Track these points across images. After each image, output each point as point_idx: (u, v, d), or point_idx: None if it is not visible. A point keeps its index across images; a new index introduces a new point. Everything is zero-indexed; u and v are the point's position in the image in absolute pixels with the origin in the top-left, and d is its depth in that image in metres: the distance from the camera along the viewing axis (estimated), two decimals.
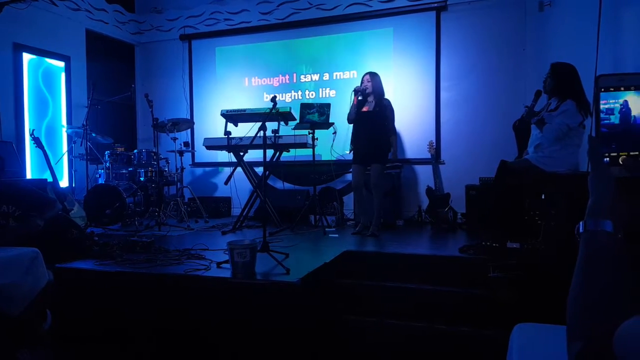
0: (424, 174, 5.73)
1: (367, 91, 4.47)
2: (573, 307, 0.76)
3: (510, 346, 1.72)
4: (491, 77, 5.57)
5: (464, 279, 3.20)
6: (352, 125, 4.65)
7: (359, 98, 4.49)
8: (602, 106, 0.81)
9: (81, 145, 5.56)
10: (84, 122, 5.48)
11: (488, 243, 3.27)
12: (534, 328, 1.79)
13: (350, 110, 4.56)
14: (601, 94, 0.81)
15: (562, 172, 3.12)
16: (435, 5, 5.74)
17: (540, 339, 1.70)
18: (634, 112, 0.80)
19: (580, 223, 0.79)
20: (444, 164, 5.65)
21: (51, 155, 4.85)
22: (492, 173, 3.56)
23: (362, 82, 4.53)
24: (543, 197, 3.14)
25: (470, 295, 3.05)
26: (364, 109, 4.51)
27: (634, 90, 0.80)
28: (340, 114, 5.27)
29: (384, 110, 4.45)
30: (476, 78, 5.64)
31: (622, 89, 0.81)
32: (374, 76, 4.50)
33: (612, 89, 0.81)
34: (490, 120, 5.49)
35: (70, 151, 5.88)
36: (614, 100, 0.80)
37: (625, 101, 0.80)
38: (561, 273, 2.65)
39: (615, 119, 0.80)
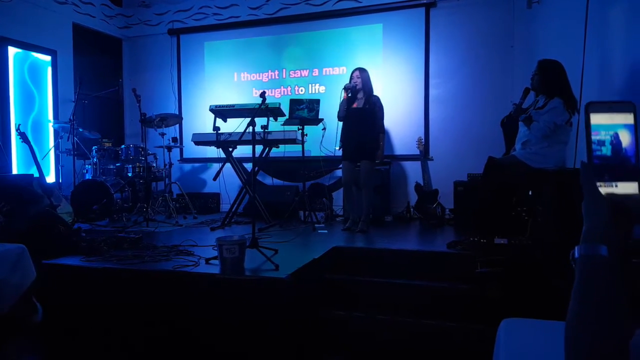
0: (413, 170, 5.76)
1: (356, 87, 4.47)
2: (572, 331, 0.78)
3: (498, 341, 1.74)
4: (480, 74, 5.60)
5: (452, 274, 3.23)
6: (341, 122, 4.66)
7: (349, 95, 4.50)
8: (593, 137, 0.82)
9: (68, 140, 5.50)
10: (71, 117, 5.41)
11: (476, 239, 3.29)
12: (520, 323, 1.81)
13: (340, 107, 4.56)
14: (592, 125, 0.82)
15: (549, 169, 3.15)
16: (425, 1, 5.75)
17: (527, 333, 1.73)
18: (624, 145, 0.82)
19: (575, 248, 0.81)
20: (432, 160, 5.68)
21: (37, 151, 4.79)
22: (480, 169, 3.59)
23: (351, 78, 4.52)
24: (530, 193, 3.17)
25: (458, 291, 3.08)
26: (354, 106, 4.51)
27: (623, 124, 0.82)
28: (329, 110, 5.27)
29: (373, 107, 4.45)
30: (465, 75, 5.67)
31: (612, 120, 0.83)
32: (363, 72, 4.50)
33: (603, 121, 0.83)
34: (479, 117, 5.53)
35: (57, 146, 5.81)
36: (605, 132, 0.82)
37: (616, 133, 0.81)
38: (548, 268, 2.69)
39: (606, 150, 0.81)
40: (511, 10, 5.44)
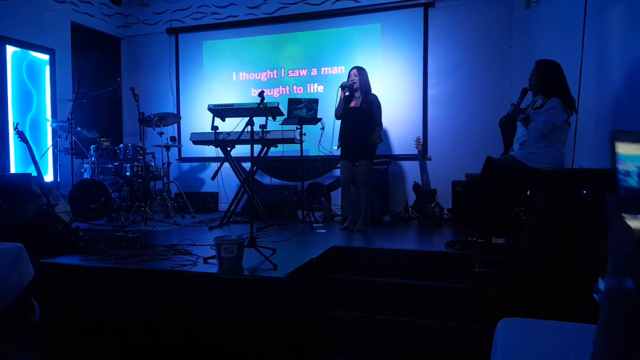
0: (411, 170, 5.76)
1: (354, 86, 4.48)
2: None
3: (495, 340, 1.75)
4: (478, 73, 5.61)
5: (450, 274, 3.23)
6: (339, 121, 4.66)
7: (346, 94, 4.50)
8: (618, 167, 0.79)
9: (66, 139, 5.49)
10: (69, 116, 5.41)
11: (474, 238, 3.30)
12: (518, 322, 1.82)
13: (337, 105, 4.56)
14: (617, 154, 0.79)
15: (547, 169, 3.16)
16: (423, 1, 5.75)
17: (525, 333, 1.73)
18: None
19: (600, 280, 0.80)
20: (430, 160, 5.69)
21: (35, 150, 4.77)
22: (478, 169, 3.60)
23: (349, 77, 4.53)
24: (528, 193, 3.18)
25: (456, 290, 3.09)
26: (351, 105, 4.51)
27: None
28: (328, 110, 5.26)
29: (371, 106, 4.45)
30: (463, 75, 5.68)
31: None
32: (361, 71, 4.50)
33: (629, 151, 0.79)
34: (477, 116, 5.53)
35: (55, 145, 5.80)
36: (631, 163, 0.78)
37: None
38: (546, 268, 2.70)
39: (633, 181, 0.77)
40: (509, 11, 5.45)
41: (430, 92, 5.80)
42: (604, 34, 3.22)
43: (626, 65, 2.90)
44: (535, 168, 3.19)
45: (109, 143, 5.63)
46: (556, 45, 4.12)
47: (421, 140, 5.46)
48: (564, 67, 3.33)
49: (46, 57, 5.94)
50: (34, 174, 4.43)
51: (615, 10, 3.09)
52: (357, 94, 4.51)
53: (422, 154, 5.39)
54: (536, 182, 3.06)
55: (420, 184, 5.20)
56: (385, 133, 5.88)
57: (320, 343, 3.09)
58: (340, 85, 4.52)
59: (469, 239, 3.34)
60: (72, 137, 5.38)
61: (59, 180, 5.77)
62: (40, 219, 3.54)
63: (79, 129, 5.49)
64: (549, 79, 3.26)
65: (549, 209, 2.85)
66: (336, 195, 5.81)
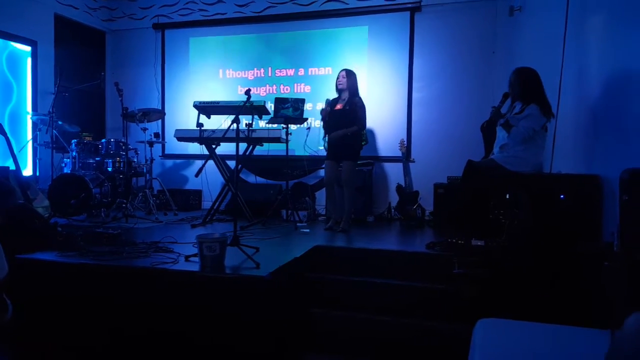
0: (395, 171, 5.81)
1: (339, 87, 4.54)
2: None
3: (473, 340, 1.78)
4: (461, 78, 5.68)
5: (430, 274, 3.28)
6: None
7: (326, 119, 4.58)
8: None
9: (47, 133, 5.39)
10: (50, 109, 5.30)
11: (454, 240, 3.35)
12: (496, 323, 1.86)
13: (322, 117, 4.64)
14: None
15: (526, 172, 3.22)
16: (410, 5, 5.81)
17: (502, 333, 1.77)
18: None
19: (633, 315, 0.81)
20: (414, 162, 5.74)
21: (14, 143, 4.69)
22: (459, 172, 3.65)
23: (337, 78, 4.58)
24: (507, 196, 3.24)
25: (435, 291, 3.13)
26: (337, 107, 4.55)
27: None
28: (314, 110, 5.29)
29: (355, 108, 4.49)
30: (447, 79, 5.75)
31: None
32: (350, 74, 4.55)
33: None
34: (460, 120, 5.61)
35: (34, 139, 5.69)
36: None
37: None
38: (523, 270, 2.76)
39: None
40: (493, 17, 5.53)
41: (415, 95, 5.86)
42: (584, 42, 3.30)
43: (604, 73, 2.98)
44: (515, 171, 3.25)
45: (90, 138, 5.55)
46: (537, 52, 4.21)
47: (405, 142, 5.52)
48: (544, 74, 3.41)
49: (28, 48, 5.84)
50: (12, 167, 4.36)
51: (595, 20, 3.17)
52: (344, 96, 4.54)
53: (405, 156, 5.44)
54: (515, 185, 3.12)
55: (404, 186, 5.25)
56: (370, 135, 5.93)
57: (301, 342, 3.10)
58: (326, 100, 4.64)
59: (449, 240, 3.39)
60: (52, 131, 5.29)
61: (38, 174, 5.68)
62: (17, 214, 3.48)
63: (60, 122, 5.40)
64: (527, 86, 3.34)
65: (528, 212, 2.91)
66: (321, 195, 5.83)
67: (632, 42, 2.62)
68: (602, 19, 3.06)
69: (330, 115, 4.54)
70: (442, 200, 4.88)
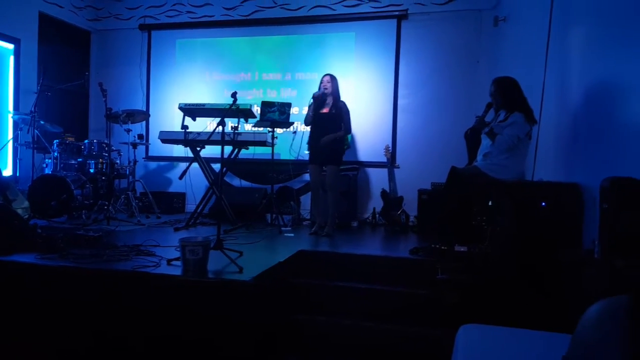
0: (380, 177, 5.84)
1: (326, 92, 4.53)
2: None
3: (456, 345, 1.79)
4: (446, 86, 5.75)
5: (413, 280, 3.29)
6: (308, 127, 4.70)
7: (316, 103, 4.55)
8: None
9: (28, 132, 5.29)
10: (32, 109, 5.22)
11: (437, 246, 3.37)
12: (478, 329, 1.87)
13: (307, 113, 4.62)
14: None
15: (509, 180, 3.27)
16: (397, 13, 5.86)
17: (484, 339, 1.78)
18: None
19: None
20: (398, 167, 5.78)
21: None
22: (443, 178, 3.68)
23: (321, 83, 4.58)
24: (490, 203, 3.27)
25: (418, 296, 3.14)
26: (321, 111, 4.56)
27: None
28: (300, 115, 5.29)
29: (340, 112, 4.51)
30: (432, 87, 5.81)
31: None
32: (333, 79, 4.57)
33: None
34: (444, 127, 5.67)
35: (15, 138, 5.58)
36: None
37: None
38: (506, 276, 2.78)
39: None
40: (478, 27, 5.62)
41: (400, 101, 5.91)
42: (566, 53, 3.37)
43: (586, 83, 3.04)
44: (498, 179, 3.29)
45: (73, 138, 5.46)
46: (521, 62, 4.28)
47: (390, 148, 5.56)
48: (527, 83, 3.47)
49: (11, 46, 5.74)
50: None
51: (577, 31, 3.24)
52: (328, 101, 4.56)
53: (390, 161, 5.48)
54: (498, 192, 3.16)
55: (388, 191, 5.28)
56: (356, 140, 5.95)
57: (284, 347, 3.08)
58: (312, 95, 4.56)
59: (433, 246, 3.41)
60: (34, 131, 5.20)
61: (18, 175, 5.57)
62: None
63: (42, 122, 5.31)
64: (509, 95, 3.40)
65: (510, 218, 2.95)
66: (305, 200, 5.83)
67: (613, 52, 2.69)
68: (584, 30, 3.13)
69: (315, 118, 4.55)
70: (425, 206, 4.92)
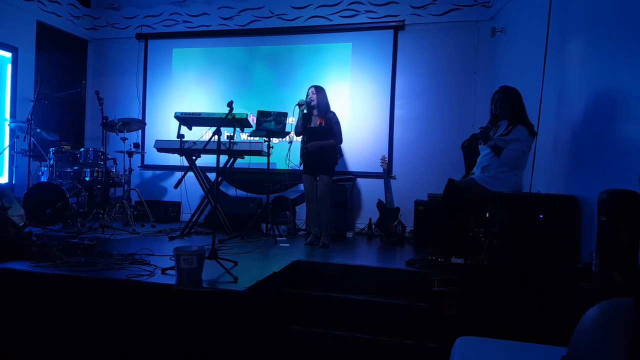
0: (376, 187, 5.82)
1: (311, 103, 4.51)
2: None
3: (452, 358, 1.77)
4: (443, 97, 5.77)
5: (410, 291, 3.27)
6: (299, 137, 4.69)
7: (304, 111, 4.54)
8: None
9: (24, 140, 5.27)
10: (29, 117, 5.19)
11: (434, 258, 3.35)
12: (475, 341, 1.85)
13: (296, 123, 4.61)
14: None
15: (506, 193, 3.26)
16: (394, 24, 5.90)
17: (481, 351, 1.76)
18: None
19: None
20: (395, 178, 5.78)
21: None
22: (440, 189, 3.68)
23: (307, 95, 4.56)
24: (487, 215, 3.27)
25: (414, 308, 3.12)
26: (311, 126, 4.53)
27: None
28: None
29: (330, 123, 4.49)
30: (429, 97, 5.82)
31: None
32: (319, 90, 4.54)
33: None
34: (441, 138, 5.68)
35: (12, 146, 5.56)
36: None
37: None
38: (502, 289, 2.77)
39: None
40: (476, 38, 5.65)
41: (397, 112, 5.92)
42: (564, 64, 3.38)
43: (584, 95, 3.05)
44: (495, 192, 3.29)
45: (69, 147, 5.44)
46: (518, 73, 4.30)
47: (386, 159, 5.56)
48: (524, 95, 3.48)
49: (8, 54, 5.74)
50: None
51: (575, 42, 3.25)
52: (315, 113, 4.54)
53: (387, 172, 5.48)
54: (495, 205, 3.16)
55: (384, 202, 5.26)
56: (352, 150, 5.95)
57: (278, 358, 3.04)
58: (297, 103, 4.56)
59: (429, 257, 3.40)
60: (30, 139, 5.18)
61: (14, 182, 5.53)
62: None
63: (38, 130, 5.29)
64: (515, 107, 3.38)
65: (507, 231, 2.94)
66: (301, 210, 5.80)
67: (611, 64, 2.70)
68: (582, 42, 3.14)
69: (305, 132, 4.54)
70: (422, 217, 4.90)
